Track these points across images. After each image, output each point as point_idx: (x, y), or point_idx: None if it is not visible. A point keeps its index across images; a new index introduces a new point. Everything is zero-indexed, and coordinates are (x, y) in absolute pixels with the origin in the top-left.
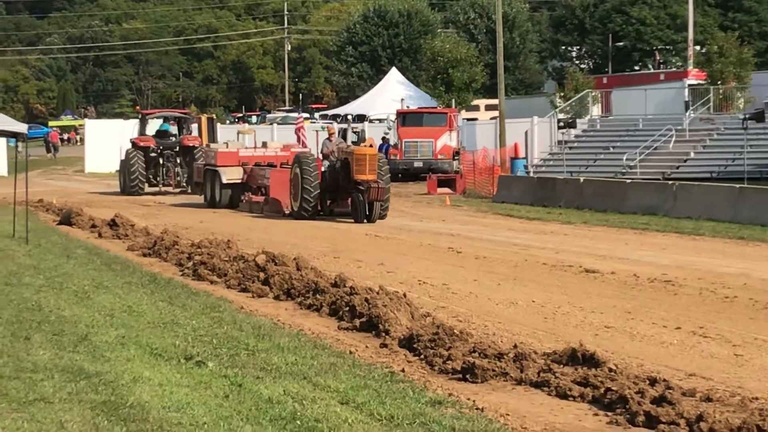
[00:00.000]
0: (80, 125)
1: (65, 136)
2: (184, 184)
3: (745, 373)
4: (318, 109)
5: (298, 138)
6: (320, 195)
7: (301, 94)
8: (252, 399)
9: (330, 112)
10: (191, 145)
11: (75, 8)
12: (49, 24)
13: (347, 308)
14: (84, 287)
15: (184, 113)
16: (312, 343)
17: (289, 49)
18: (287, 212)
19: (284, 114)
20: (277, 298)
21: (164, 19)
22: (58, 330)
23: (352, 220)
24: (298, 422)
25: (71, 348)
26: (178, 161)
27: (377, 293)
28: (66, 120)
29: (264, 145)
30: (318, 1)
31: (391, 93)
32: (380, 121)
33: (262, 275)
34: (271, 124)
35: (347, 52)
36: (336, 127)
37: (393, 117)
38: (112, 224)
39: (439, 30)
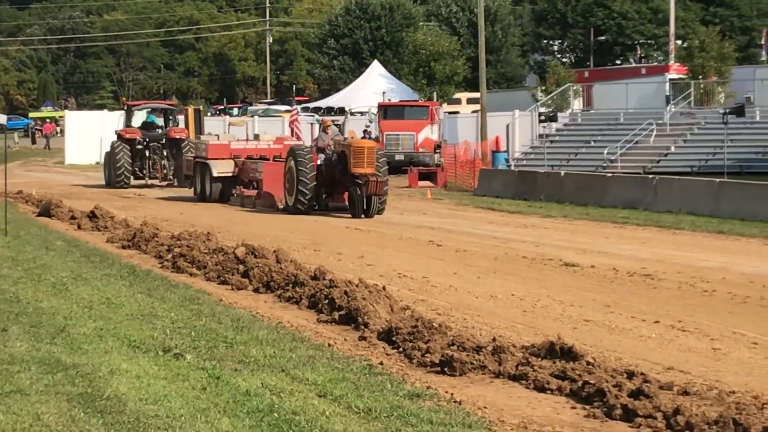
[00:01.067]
0: (60, 117)
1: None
2: (171, 177)
3: (723, 366)
4: (300, 102)
5: (292, 131)
6: (316, 189)
7: (294, 86)
8: (229, 391)
9: (312, 105)
10: (178, 137)
11: None
12: (30, 15)
13: (326, 301)
14: (62, 279)
15: (171, 105)
16: (291, 335)
17: (271, 41)
18: (281, 207)
19: (266, 106)
20: (256, 290)
21: (145, 11)
22: (35, 322)
23: (349, 215)
24: (276, 415)
25: (49, 340)
26: (165, 154)
27: (357, 286)
28: (46, 111)
29: (256, 137)
30: None
31: (373, 86)
32: (362, 113)
33: (241, 268)
34: (253, 116)
35: (329, 44)
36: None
37: (374, 110)
38: (92, 216)
39: (421, 23)
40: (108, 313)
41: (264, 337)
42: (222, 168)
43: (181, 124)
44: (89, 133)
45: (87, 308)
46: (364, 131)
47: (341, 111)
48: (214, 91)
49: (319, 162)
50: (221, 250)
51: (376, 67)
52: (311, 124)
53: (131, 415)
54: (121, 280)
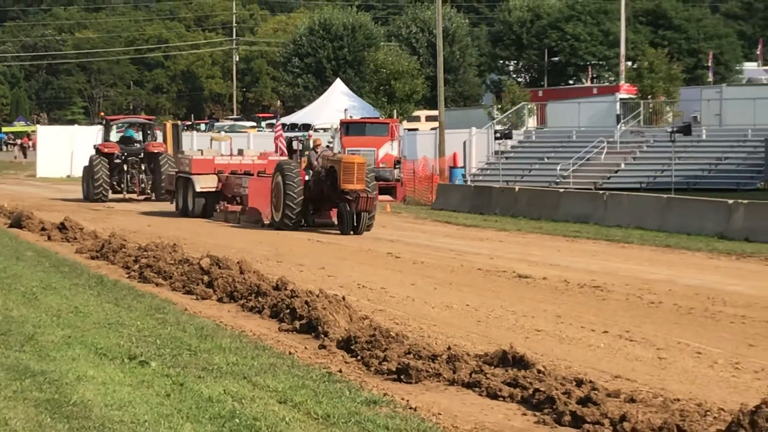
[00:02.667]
0: (33, 131)
1: (18, 142)
2: (149, 191)
3: (668, 375)
4: (264, 118)
5: (276, 147)
6: (304, 205)
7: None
8: (192, 398)
9: (276, 121)
10: (156, 151)
11: (29, 18)
12: (4, 32)
13: (288, 311)
14: (32, 288)
15: (149, 119)
16: (253, 344)
17: (237, 59)
18: (267, 222)
19: (232, 122)
20: (220, 300)
21: (116, 30)
22: (5, 330)
23: (337, 232)
24: (237, 420)
25: (17, 347)
26: (143, 168)
27: (317, 296)
28: (19, 126)
29: (240, 152)
30: (265, 14)
31: (336, 103)
32: (324, 130)
33: (206, 278)
34: (219, 132)
35: (293, 63)
36: (284, 135)
37: (337, 126)
38: (62, 227)
39: (382, 43)
40: (76, 321)
41: (227, 346)
42: (205, 183)
43: (159, 139)
44: (60, 147)
45: (55, 317)
46: (327, 146)
47: (305, 127)
48: (182, 108)
49: (307, 178)
50: (187, 261)
51: (338, 85)
52: (297, 140)
53: (97, 420)
54: (89, 289)
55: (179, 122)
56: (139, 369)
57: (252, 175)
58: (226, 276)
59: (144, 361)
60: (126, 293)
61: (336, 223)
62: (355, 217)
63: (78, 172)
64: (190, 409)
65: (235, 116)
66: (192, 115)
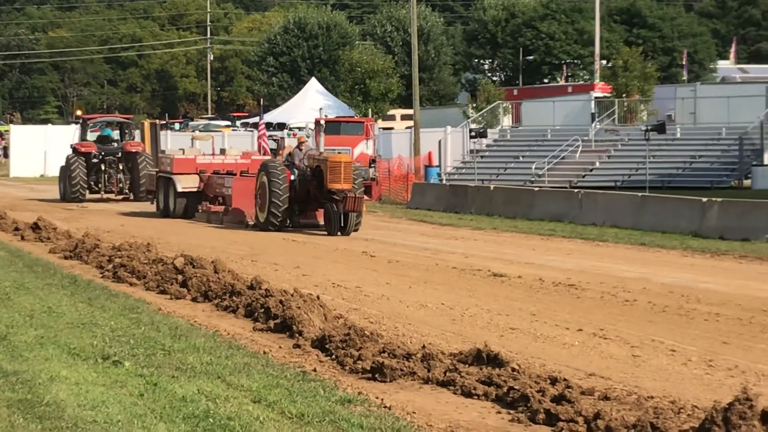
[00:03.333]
0: (6, 131)
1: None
2: (127, 191)
3: (642, 373)
4: (239, 118)
5: (260, 146)
6: (289, 205)
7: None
8: (166, 397)
9: (251, 120)
10: (134, 150)
11: (2, 17)
12: None
13: (262, 310)
14: (5, 288)
15: (127, 118)
16: (227, 343)
17: (212, 58)
18: (251, 223)
19: (206, 121)
20: (194, 300)
21: (89, 29)
22: None
23: (324, 233)
24: (211, 420)
25: None
26: (121, 167)
27: (292, 295)
28: None
29: (222, 152)
30: (240, 13)
31: (311, 102)
32: (300, 129)
33: (180, 278)
34: (194, 131)
35: (268, 62)
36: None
37: (312, 125)
38: (35, 227)
39: (357, 42)
40: (49, 321)
41: (201, 345)
42: (186, 183)
43: (137, 138)
44: (34, 147)
45: (29, 317)
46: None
47: (280, 126)
48: (156, 107)
49: (292, 177)
50: (161, 260)
51: (313, 84)
52: (279, 138)
53: (70, 420)
54: (62, 289)
55: (157, 121)
56: (113, 369)
57: (235, 174)
58: (200, 275)
59: (117, 361)
60: (99, 293)
61: (321, 223)
62: (342, 217)
63: (52, 172)
64: (163, 408)
65: (209, 115)
66: (166, 114)
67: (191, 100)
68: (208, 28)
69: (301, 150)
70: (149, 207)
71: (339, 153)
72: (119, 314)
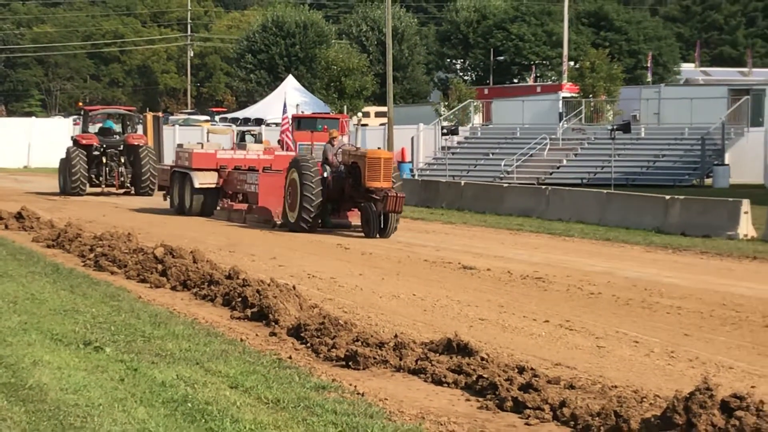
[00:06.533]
0: None
1: None
2: (128, 185)
3: (606, 363)
4: (218, 113)
5: (283, 142)
6: (322, 205)
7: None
8: (146, 382)
9: (230, 116)
10: (136, 143)
11: None
12: None
13: (240, 299)
14: None
15: (129, 110)
16: (205, 331)
17: (192, 55)
18: (278, 223)
19: (186, 116)
20: (174, 288)
21: (73, 24)
22: None
23: (357, 234)
24: (189, 405)
25: None
26: (122, 161)
27: (268, 285)
28: None
29: (242, 147)
30: (220, 11)
31: (288, 99)
32: (276, 124)
33: (160, 267)
34: (174, 125)
35: (247, 59)
36: (235, 129)
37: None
38: (19, 217)
39: (333, 41)
40: (32, 308)
41: (180, 332)
42: (204, 179)
43: (140, 131)
44: (18, 139)
45: (12, 303)
46: (279, 141)
47: (258, 122)
48: (137, 101)
49: (325, 174)
50: (141, 250)
51: (290, 81)
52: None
53: (52, 403)
54: (45, 277)
55: (160, 114)
56: (94, 354)
57: (257, 170)
58: (179, 265)
59: (99, 347)
60: (81, 281)
61: (353, 224)
62: (382, 218)
63: (35, 164)
64: (143, 393)
65: (189, 110)
66: (147, 109)
67: (171, 96)
68: (189, 26)
69: (333, 145)
70: (158, 203)
71: (378, 149)
72: (100, 302)
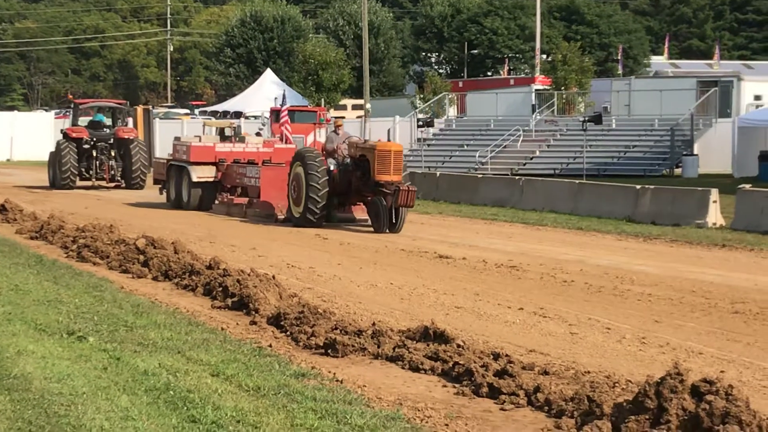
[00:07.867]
0: None
1: None
2: (119, 178)
3: (579, 349)
4: (198, 106)
5: (282, 134)
6: (328, 198)
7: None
8: (129, 371)
9: (209, 109)
10: (127, 137)
11: None
12: None
13: (220, 289)
14: None
15: (120, 103)
16: (187, 320)
17: (172, 49)
18: (282, 217)
19: (166, 110)
20: (155, 279)
21: (54, 20)
22: None
23: (365, 229)
24: (172, 392)
25: None
26: (113, 154)
27: (248, 275)
28: None
29: (242, 140)
30: (199, 6)
31: (266, 92)
32: (255, 117)
33: (141, 258)
34: (154, 119)
35: (226, 53)
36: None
37: (267, 114)
38: (2, 209)
39: (310, 35)
40: (16, 298)
41: (162, 322)
42: (202, 173)
43: (130, 124)
44: (0, 133)
45: None
46: (257, 134)
47: (237, 115)
48: (118, 95)
49: (331, 167)
50: (123, 241)
51: (268, 75)
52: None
53: (36, 392)
54: (28, 268)
55: (150, 107)
56: (78, 344)
57: (256, 164)
58: (161, 256)
59: (82, 337)
60: (64, 272)
61: (358, 218)
62: (393, 212)
63: (17, 156)
64: (126, 381)
65: (169, 104)
66: (128, 103)
67: (152, 89)
68: (169, 21)
69: (338, 134)
70: (146, 196)
71: (389, 141)
72: (83, 292)
